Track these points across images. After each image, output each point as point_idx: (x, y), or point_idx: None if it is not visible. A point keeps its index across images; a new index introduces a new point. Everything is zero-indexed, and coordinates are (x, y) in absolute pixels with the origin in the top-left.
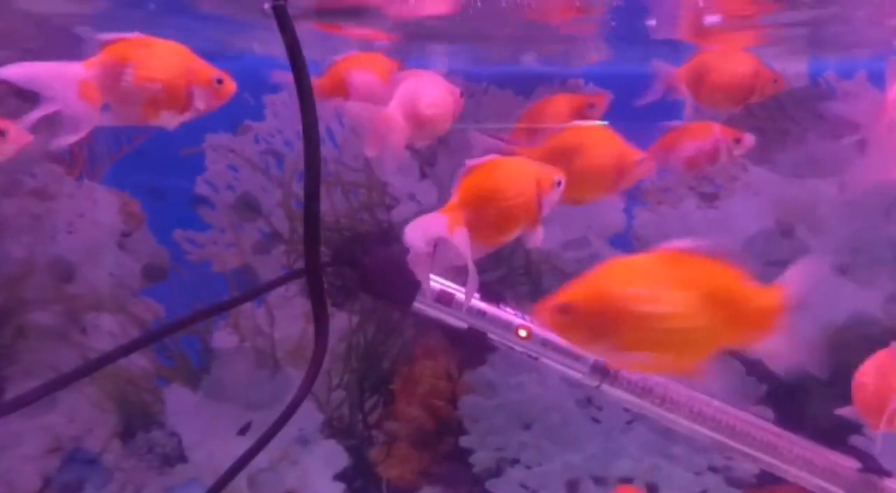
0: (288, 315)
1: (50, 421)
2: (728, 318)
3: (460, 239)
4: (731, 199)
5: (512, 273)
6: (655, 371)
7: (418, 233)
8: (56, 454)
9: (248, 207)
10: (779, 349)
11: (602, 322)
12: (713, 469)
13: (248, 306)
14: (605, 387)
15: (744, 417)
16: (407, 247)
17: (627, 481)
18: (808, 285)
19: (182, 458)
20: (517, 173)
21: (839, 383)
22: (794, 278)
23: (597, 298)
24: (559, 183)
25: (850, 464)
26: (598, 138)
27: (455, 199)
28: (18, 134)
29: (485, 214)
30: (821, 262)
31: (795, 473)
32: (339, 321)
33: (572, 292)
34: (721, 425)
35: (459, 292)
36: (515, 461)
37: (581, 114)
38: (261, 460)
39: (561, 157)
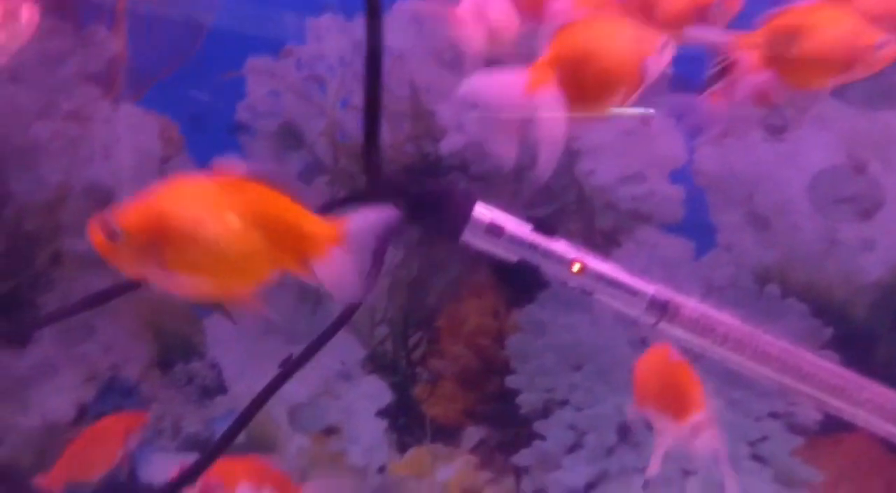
0: None
1: (86, 350)
2: (280, 244)
3: (550, 99)
4: (800, 131)
5: (564, 209)
6: (211, 296)
7: (486, 85)
8: (92, 384)
9: (291, 135)
10: (333, 279)
11: (153, 244)
12: (774, 415)
13: None
14: (663, 325)
15: (810, 358)
16: (467, 101)
17: None
18: (371, 227)
19: (222, 389)
20: (619, 33)
21: None
22: (358, 217)
23: (147, 218)
24: (665, 47)
25: None
26: (831, 16)
27: (545, 56)
28: (31, 13)
29: (579, 75)
30: (390, 211)
31: (865, 417)
32: None
33: (121, 213)
34: (787, 366)
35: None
36: (564, 403)
37: (703, 13)
38: (301, 394)
39: (786, 36)
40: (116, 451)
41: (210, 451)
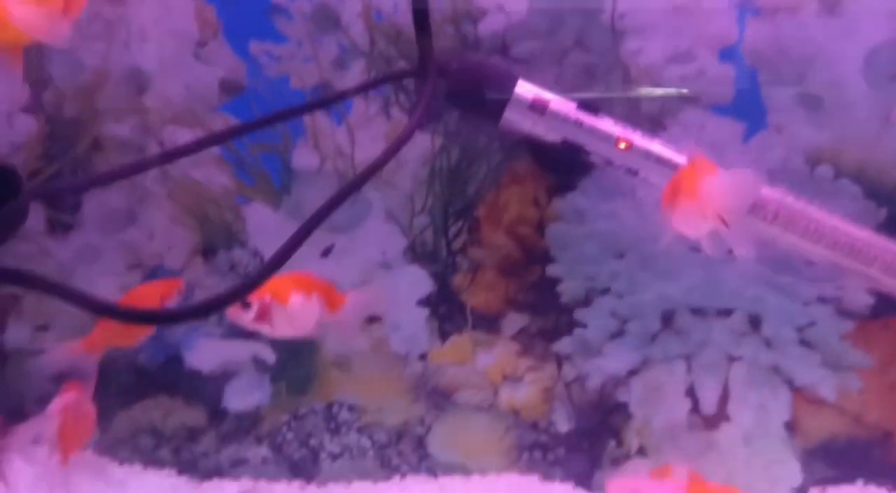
0: (368, 136)
1: (130, 237)
2: None
3: None
4: (854, 5)
5: (609, 90)
6: None
7: None
8: (137, 270)
9: (326, 17)
10: None
11: None
12: (823, 300)
13: (327, 124)
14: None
15: (864, 235)
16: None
17: (727, 312)
18: None
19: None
20: None
21: None
22: None
23: None
24: None
25: None
26: None
27: None
28: None
29: None
30: None
31: None
32: (422, 143)
33: None
34: (838, 243)
35: (556, 100)
36: (606, 291)
37: None
38: (344, 283)
39: None
40: None
41: (233, 290)
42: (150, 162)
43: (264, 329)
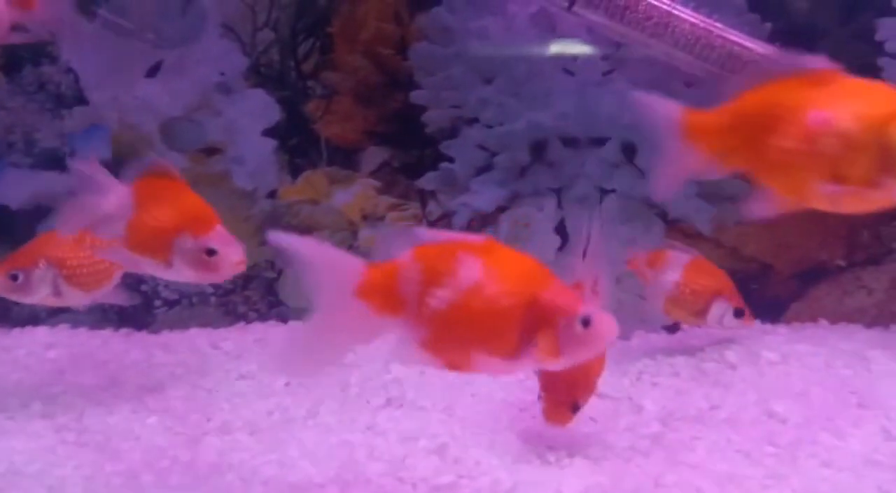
0: None
1: None
2: None
3: None
4: None
5: None
6: None
7: None
8: None
9: None
10: None
11: None
12: None
13: None
14: (579, 9)
15: (746, 41)
16: None
17: (601, 142)
18: None
19: (80, 99)
20: None
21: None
22: None
23: None
24: None
25: None
26: None
27: None
28: None
29: None
30: None
31: None
32: None
33: None
34: (714, 47)
35: None
36: (474, 120)
37: None
38: (174, 107)
39: None
40: None
41: None
42: None
43: None
